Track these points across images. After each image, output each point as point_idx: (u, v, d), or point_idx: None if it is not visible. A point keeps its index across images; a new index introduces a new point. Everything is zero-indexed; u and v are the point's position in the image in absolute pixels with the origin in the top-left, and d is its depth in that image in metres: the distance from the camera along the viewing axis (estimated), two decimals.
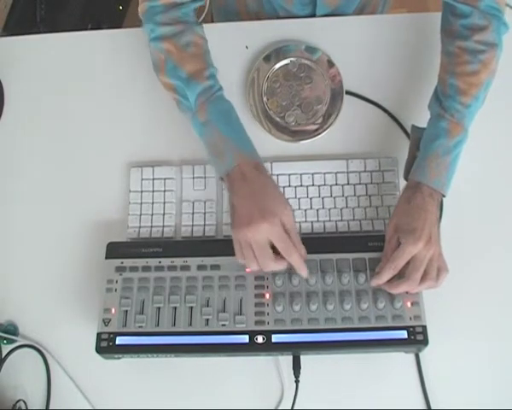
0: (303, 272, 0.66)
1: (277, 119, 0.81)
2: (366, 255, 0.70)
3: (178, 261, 0.71)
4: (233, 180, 0.67)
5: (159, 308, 0.68)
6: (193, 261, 0.70)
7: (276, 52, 0.85)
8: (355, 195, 0.76)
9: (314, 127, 0.81)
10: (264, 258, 0.64)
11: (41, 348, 0.72)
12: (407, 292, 0.66)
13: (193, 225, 0.76)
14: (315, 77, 0.83)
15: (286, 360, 0.69)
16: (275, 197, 0.66)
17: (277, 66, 0.84)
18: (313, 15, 0.91)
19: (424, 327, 0.65)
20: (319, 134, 0.80)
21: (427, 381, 0.69)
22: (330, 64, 0.83)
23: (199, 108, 0.70)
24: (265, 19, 0.93)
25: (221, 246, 0.72)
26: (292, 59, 0.84)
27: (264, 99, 0.82)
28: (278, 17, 0.92)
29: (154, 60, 0.74)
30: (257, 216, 0.63)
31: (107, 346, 0.66)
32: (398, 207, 0.69)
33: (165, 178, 0.78)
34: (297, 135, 0.81)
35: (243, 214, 0.65)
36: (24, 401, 0.70)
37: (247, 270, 0.68)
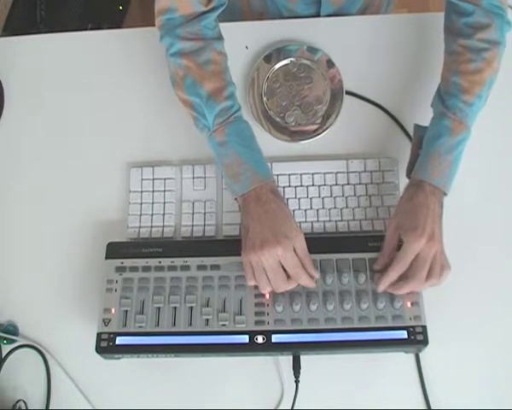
0: (312, 286, 0.67)
1: (277, 119, 0.81)
2: (366, 255, 0.70)
3: (178, 261, 0.71)
4: (248, 202, 0.67)
5: (159, 308, 0.68)
6: (193, 261, 0.70)
7: (276, 52, 0.85)
8: (355, 195, 0.76)
9: (314, 127, 0.81)
10: (277, 281, 0.65)
11: (41, 348, 0.72)
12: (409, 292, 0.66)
13: (193, 226, 0.76)
14: (315, 77, 0.83)
15: (286, 360, 0.69)
16: (288, 222, 0.66)
17: (277, 66, 0.84)
18: (317, 15, 0.91)
19: (424, 327, 0.65)
20: (319, 134, 0.80)
21: (427, 381, 0.69)
22: (330, 64, 0.83)
23: (216, 129, 0.70)
24: (269, 19, 0.93)
25: (221, 246, 0.72)
26: (292, 59, 0.84)
27: (264, 99, 0.82)
28: (282, 17, 0.92)
29: (172, 74, 0.74)
30: (271, 239, 0.64)
31: (107, 346, 0.66)
32: (400, 206, 0.68)
33: (165, 179, 0.78)
34: (297, 135, 0.81)
35: (256, 237, 0.65)
36: (24, 401, 0.70)
37: (265, 294, 0.68)
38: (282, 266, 0.65)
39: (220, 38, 0.75)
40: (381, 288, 0.66)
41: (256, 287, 0.67)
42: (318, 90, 0.82)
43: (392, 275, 0.66)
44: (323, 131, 0.80)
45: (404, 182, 0.76)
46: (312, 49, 0.85)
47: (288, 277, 0.66)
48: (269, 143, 0.79)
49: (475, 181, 0.77)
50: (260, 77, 0.84)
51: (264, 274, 0.65)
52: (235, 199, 0.70)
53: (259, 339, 0.66)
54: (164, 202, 0.78)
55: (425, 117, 0.79)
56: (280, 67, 0.84)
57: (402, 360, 0.70)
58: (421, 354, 0.69)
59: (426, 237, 0.63)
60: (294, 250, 0.65)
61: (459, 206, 0.75)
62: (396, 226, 0.67)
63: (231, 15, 0.93)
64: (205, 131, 0.72)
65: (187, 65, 0.71)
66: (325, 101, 0.82)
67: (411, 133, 0.79)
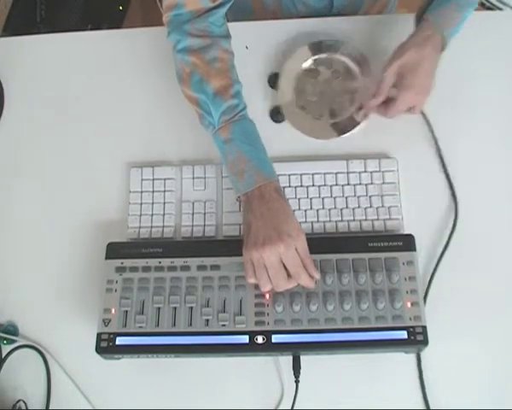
0: (312, 286, 0.67)
1: (311, 116, 0.81)
2: (366, 256, 0.70)
3: (178, 262, 0.71)
4: (251, 200, 0.67)
5: (159, 309, 0.68)
6: (193, 262, 0.70)
7: (311, 47, 0.84)
8: (355, 195, 0.76)
9: (348, 122, 0.80)
10: (278, 279, 0.65)
11: (41, 348, 0.72)
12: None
13: (193, 226, 0.76)
14: (346, 74, 0.82)
15: (286, 360, 0.69)
16: (291, 222, 0.66)
17: (308, 62, 0.83)
18: (331, 6, 0.91)
19: (424, 327, 0.65)
20: (350, 131, 0.79)
21: (427, 381, 0.69)
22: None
23: (222, 126, 0.70)
24: (283, 15, 0.93)
25: (221, 246, 0.72)
26: (322, 55, 0.83)
27: (294, 96, 0.81)
28: (296, 11, 0.92)
29: (179, 71, 0.74)
30: (274, 237, 0.64)
31: (107, 346, 0.66)
32: (408, 54, 0.72)
33: (165, 179, 0.78)
34: (333, 131, 0.80)
35: (259, 234, 0.65)
36: (24, 401, 0.70)
37: (265, 295, 0.68)
38: (283, 265, 0.65)
39: (228, 35, 0.75)
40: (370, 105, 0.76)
41: (256, 286, 0.67)
42: (349, 87, 0.82)
43: (384, 116, 0.76)
44: (355, 126, 0.79)
45: (404, 182, 0.77)
46: (352, 47, 0.84)
47: (289, 276, 0.66)
48: (270, 143, 0.79)
49: (476, 182, 0.77)
50: (289, 74, 0.83)
51: (265, 272, 0.65)
52: (238, 197, 0.70)
53: (259, 339, 0.66)
54: (164, 203, 0.78)
55: (427, 115, 0.79)
56: (309, 65, 0.83)
57: (402, 360, 0.70)
58: (421, 354, 0.69)
59: (417, 93, 0.73)
60: (296, 250, 0.65)
61: (460, 206, 0.75)
62: (397, 73, 0.72)
63: (241, 14, 0.93)
64: (210, 129, 0.72)
65: (194, 62, 0.72)
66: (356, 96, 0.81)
67: None
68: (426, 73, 0.72)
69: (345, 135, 0.79)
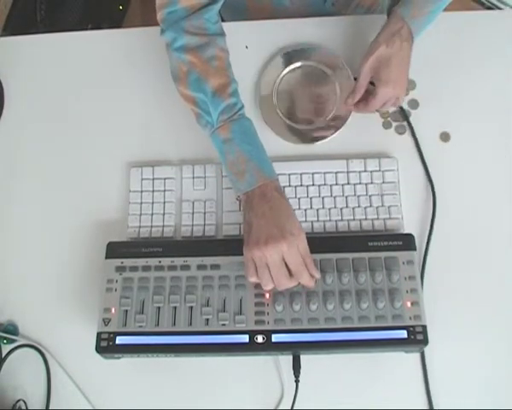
0: (312, 285, 0.67)
1: (287, 121, 0.81)
2: (366, 255, 0.70)
3: (178, 261, 0.71)
4: (252, 199, 0.67)
5: (159, 308, 0.68)
6: (193, 261, 0.70)
7: (289, 53, 0.84)
8: (355, 195, 0.76)
9: (324, 129, 0.80)
10: (280, 277, 0.65)
11: (41, 348, 0.72)
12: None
13: (193, 225, 0.76)
14: (325, 79, 0.82)
15: (286, 359, 0.69)
16: (293, 221, 0.66)
17: (288, 68, 0.83)
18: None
19: (424, 327, 0.65)
20: (328, 137, 0.79)
21: (428, 381, 0.69)
22: (341, 65, 0.83)
23: (221, 126, 0.70)
24: (274, 8, 0.92)
25: (221, 246, 0.72)
26: (302, 62, 0.83)
27: (274, 100, 0.81)
28: (290, 2, 0.92)
29: (175, 69, 0.73)
30: (277, 235, 0.64)
31: (107, 346, 0.66)
32: (379, 50, 0.73)
33: (165, 178, 0.78)
34: (307, 137, 0.80)
35: (261, 232, 0.64)
36: (24, 401, 0.70)
37: (266, 294, 0.68)
38: (285, 264, 0.65)
39: (222, 33, 0.75)
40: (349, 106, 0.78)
41: (256, 285, 0.67)
42: (328, 92, 0.81)
43: (364, 112, 0.78)
44: (334, 132, 0.79)
45: (404, 181, 0.77)
46: (325, 52, 0.84)
47: (290, 275, 0.65)
48: (271, 142, 0.79)
49: (476, 181, 0.77)
50: (271, 77, 0.83)
51: (267, 270, 0.64)
52: (238, 196, 0.70)
53: (259, 339, 0.66)
54: (164, 202, 0.78)
55: (425, 115, 0.79)
56: (291, 70, 0.83)
57: (402, 359, 0.69)
58: (421, 354, 0.69)
59: (396, 89, 0.74)
60: (297, 249, 0.65)
61: (460, 206, 0.75)
62: (371, 70, 0.74)
63: (237, 14, 0.93)
64: (208, 128, 0.72)
65: (191, 60, 0.71)
66: (334, 102, 0.81)
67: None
68: (398, 67, 0.73)
69: (320, 142, 0.80)
